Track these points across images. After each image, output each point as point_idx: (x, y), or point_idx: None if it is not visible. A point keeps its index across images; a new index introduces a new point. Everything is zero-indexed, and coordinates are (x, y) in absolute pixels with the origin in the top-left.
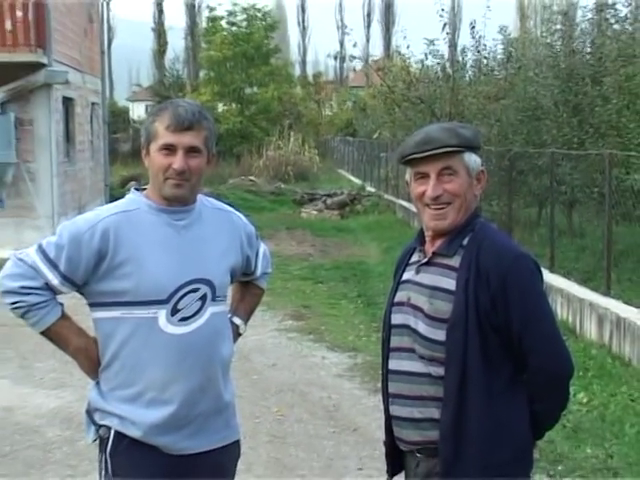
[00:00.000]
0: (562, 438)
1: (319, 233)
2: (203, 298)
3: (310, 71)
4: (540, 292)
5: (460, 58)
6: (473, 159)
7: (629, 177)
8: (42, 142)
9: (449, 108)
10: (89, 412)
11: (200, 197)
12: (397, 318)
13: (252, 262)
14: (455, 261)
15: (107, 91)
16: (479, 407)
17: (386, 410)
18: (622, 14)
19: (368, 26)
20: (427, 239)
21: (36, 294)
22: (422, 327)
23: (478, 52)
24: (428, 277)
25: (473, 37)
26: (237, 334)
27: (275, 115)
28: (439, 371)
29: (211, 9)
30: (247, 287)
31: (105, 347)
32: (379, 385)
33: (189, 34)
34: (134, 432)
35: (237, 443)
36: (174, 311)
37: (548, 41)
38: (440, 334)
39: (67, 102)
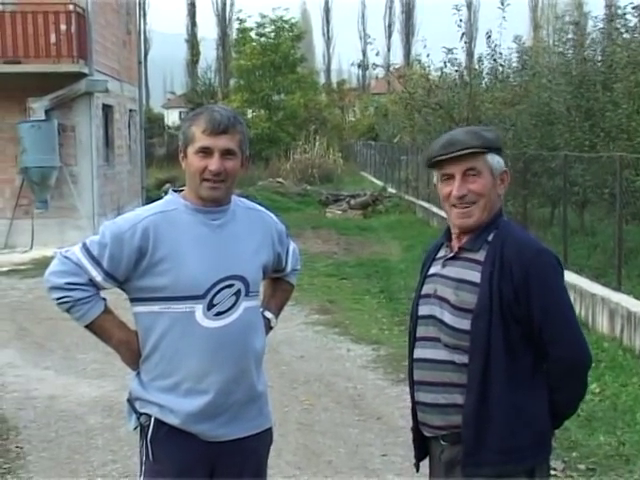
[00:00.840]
0: (576, 426)
1: (343, 232)
2: (237, 293)
3: (334, 79)
4: (560, 285)
5: (477, 66)
6: (496, 160)
7: (638, 178)
8: (83, 147)
9: (467, 113)
10: (130, 401)
11: (234, 197)
12: (424, 309)
13: (282, 259)
14: (480, 255)
15: (143, 99)
16: (501, 394)
17: (412, 397)
18: (631, 24)
19: (389, 36)
20: (453, 236)
21: (81, 290)
22: (448, 317)
23: (494, 60)
24: (454, 270)
25: (489, 46)
26: (269, 327)
27: (301, 121)
28: (463, 359)
29: (241, 21)
30: (278, 283)
31: (145, 340)
32: (401, 376)
33: (220, 45)
34: (173, 420)
35: (270, 430)
36: (210, 306)
37: (560, 49)
38: (465, 324)
39: (107, 109)
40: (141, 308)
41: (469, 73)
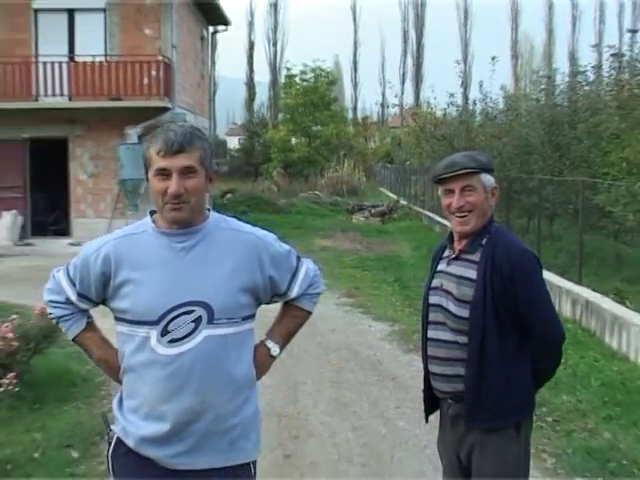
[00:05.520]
0: (545, 388)
1: (365, 234)
2: (197, 320)
3: (360, 115)
4: (540, 279)
5: (471, 107)
6: (488, 178)
7: (595, 197)
8: None
9: (464, 143)
10: (104, 415)
11: (217, 218)
12: (433, 299)
13: (280, 283)
14: (476, 256)
15: (212, 128)
16: (494, 366)
17: (425, 368)
18: (590, 79)
19: (403, 83)
20: (455, 239)
21: (60, 308)
22: (452, 307)
23: (485, 103)
24: (456, 269)
25: (481, 92)
26: (269, 356)
27: (333, 147)
28: (464, 339)
29: (288, 69)
30: (287, 309)
31: (121, 358)
32: (411, 346)
33: (271, 87)
34: (129, 441)
35: (247, 466)
36: (164, 332)
37: (536, 97)
38: (465, 312)
39: None
40: (118, 327)
41: (465, 113)
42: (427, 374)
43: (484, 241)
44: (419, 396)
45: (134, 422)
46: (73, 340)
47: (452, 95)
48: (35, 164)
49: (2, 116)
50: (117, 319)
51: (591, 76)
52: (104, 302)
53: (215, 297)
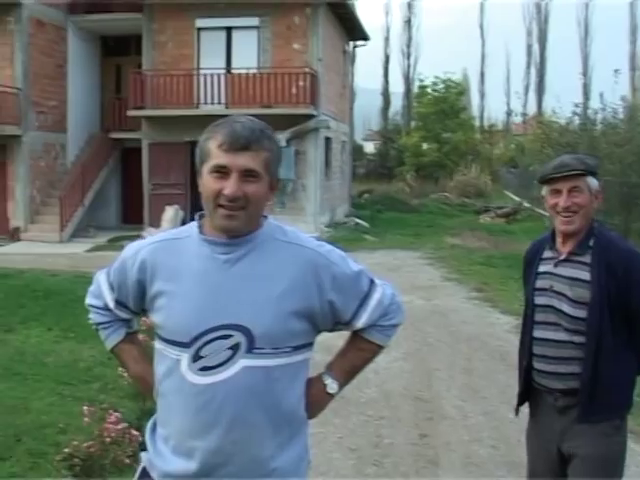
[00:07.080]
0: None
1: (492, 233)
2: (234, 348)
3: (486, 123)
4: None
5: (593, 117)
6: (594, 181)
7: None
8: (311, 166)
9: (588, 150)
10: (143, 436)
11: (273, 227)
12: (540, 300)
13: (345, 310)
14: (586, 258)
15: (351, 134)
16: (609, 364)
17: (523, 365)
18: None
19: (526, 93)
20: (559, 240)
21: (99, 314)
22: (566, 308)
23: (606, 112)
24: (567, 270)
25: (602, 103)
26: (325, 393)
27: (462, 152)
28: (580, 339)
29: (421, 80)
30: (354, 339)
31: (156, 378)
32: None
33: (405, 97)
34: (153, 474)
35: None
36: (196, 357)
37: None
38: (581, 313)
39: (327, 140)
40: (156, 343)
41: (587, 122)
42: (528, 370)
43: (591, 242)
44: None
45: (163, 453)
46: (111, 351)
47: (577, 105)
48: (195, 165)
49: (169, 121)
50: (156, 334)
51: None
52: (143, 312)
53: (258, 322)
